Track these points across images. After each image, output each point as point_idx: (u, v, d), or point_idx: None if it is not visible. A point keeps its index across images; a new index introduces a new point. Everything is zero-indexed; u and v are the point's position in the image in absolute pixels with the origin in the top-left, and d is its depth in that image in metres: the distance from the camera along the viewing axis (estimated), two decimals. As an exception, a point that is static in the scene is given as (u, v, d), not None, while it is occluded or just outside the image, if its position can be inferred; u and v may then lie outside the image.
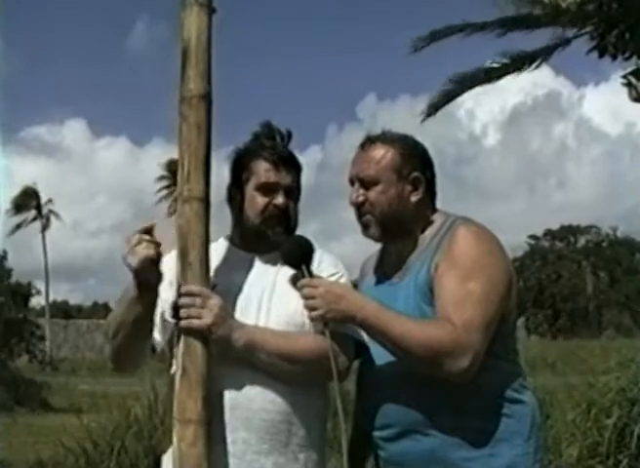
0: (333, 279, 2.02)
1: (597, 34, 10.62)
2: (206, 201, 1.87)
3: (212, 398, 1.85)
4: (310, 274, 1.93)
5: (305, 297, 1.91)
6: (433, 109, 11.61)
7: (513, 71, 11.35)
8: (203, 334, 1.82)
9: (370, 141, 2.11)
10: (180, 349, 1.83)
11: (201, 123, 1.87)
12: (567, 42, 11.07)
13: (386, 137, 2.11)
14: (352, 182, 2.12)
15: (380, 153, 2.08)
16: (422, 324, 1.90)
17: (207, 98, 1.88)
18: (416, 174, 2.09)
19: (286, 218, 2.04)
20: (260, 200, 2.03)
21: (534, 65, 11.30)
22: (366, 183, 2.08)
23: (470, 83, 11.50)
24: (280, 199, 2.02)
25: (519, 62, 11.27)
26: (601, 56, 10.68)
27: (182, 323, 1.83)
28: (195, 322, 1.82)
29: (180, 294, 1.85)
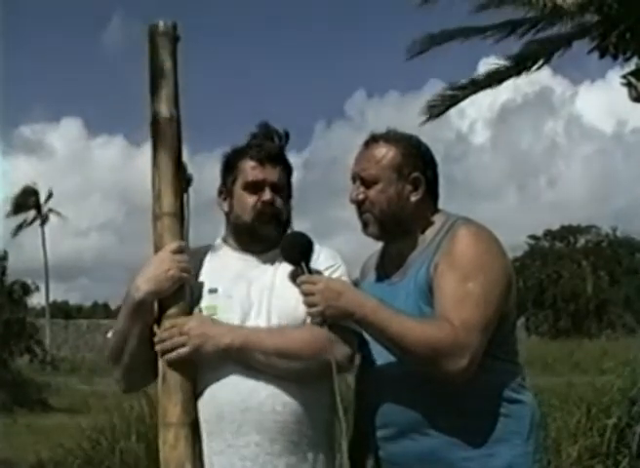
0: (330, 271, 2.02)
1: (598, 34, 10.62)
2: (177, 216, 1.97)
3: (223, 402, 1.89)
4: (309, 270, 1.94)
5: (304, 294, 1.91)
6: (435, 112, 11.59)
7: (515, 74, 11.33)
8: (195, 358, 1.88)
9: (373, 140, 2.12)
10: (160, 358, 1.89)
11: (167, 145, 1.99)
12: (568, 43, 11.07)
13: (390, 137, 2.12)
14: (354, 180, 2.12)
15: (382, 152, 2.09)
16: (422, 323, 1.91)
17: (173, 121, 1.99)
18: (416, 174, 2.09)
19: (275, 214, 2.05)
20: (249, 198, 2.05)
21: (535, 67, 11.29)
22: (366, 182, 2.08)
23: (473, 89, 11.50)
24: (267, 195, 2.04)
25: (521, 65, 11.25)
26: (602, 56, 10.68)
27: (171, 356, 1.87)
28: (181, 351, 1.87)
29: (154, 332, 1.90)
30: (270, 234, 2.04)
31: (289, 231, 2.10)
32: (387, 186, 2.07)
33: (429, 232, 2.08)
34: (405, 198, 2.08)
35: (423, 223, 2.10)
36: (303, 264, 1.94)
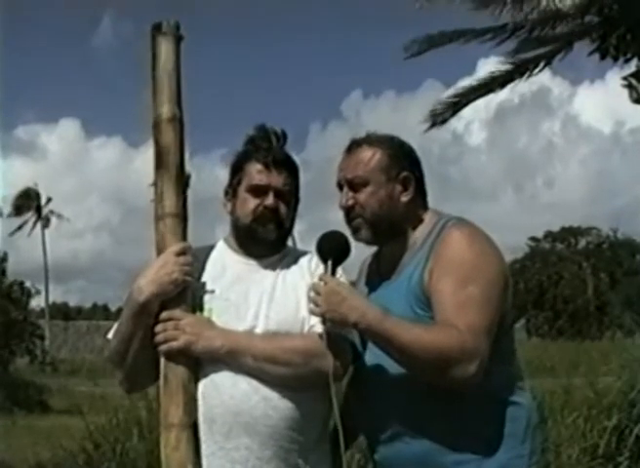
0: None
1: (598, 36, 10.63)
2: (180, 216, 1.95)
3: (215, 404, 1.90)
4: (333, 272, 1.92)
5: (314, 291, 1.90)
6: (438, 120, 11.63)
7: (517, 77, 11.34)
8: (185, 354, 1.88)
9: (356, 144, 2.10)
10: (161, 358, 1.90)
11: (170, 145, 1.97)
12: (569, 45, 11.07)
13: (372, 139, 2.10)
14: (341, 187, 2.10)
15: (368, 155, 2.07)
16: (429, 330, 1.87)
17: (175, 121, 1.97)
18: (405, 173, 2.07)
19: (276, 218, 2.04)
20: (252, 202, 2.04)
21: (537, 70, 11.30)
22: (355, 185, 2.06)
23: (476, 94, 11.52)
24: (270, 200, 2.03)
25: (523, 68, 11.26)
26: (602, 58, 10.70)
27: (162, 348, 1.88)
28: (173, 344, 1.87)
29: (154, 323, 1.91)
30: (269, 236, 2.04)
31: (291, 235, 2.11)
32: (377, 188, 2.05)
33: (421, 232, 2.06)
34: (396, 199, 2.06)
35: (415, 223, 2.08)
36: (330, 263, 1.93)
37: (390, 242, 2.10)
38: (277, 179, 2.04)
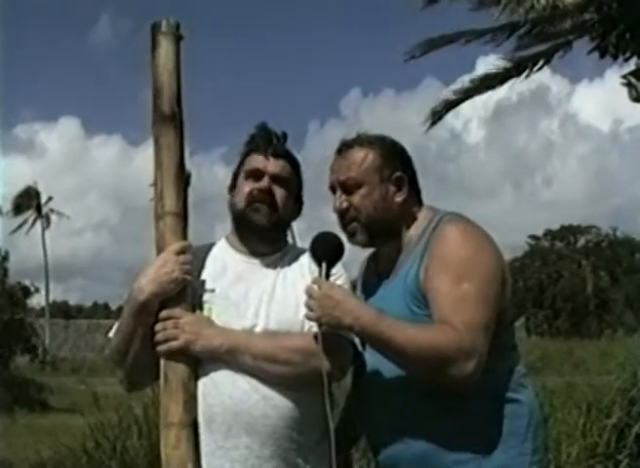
0: (331, 279, 2.00)
1: (597, 35, 10.62)
2: (180, 215, 1.95)
3: (214, 403, 1.90)
4: (327, 274, 1.91)
5: (307, 295, 1.89)
6: (437, 117, 11.66)
7: (515, 75, 11.33)
8: (184, 353, 1.88)
9: (347, 146, 2.08)
10: (161, 358, 1.90)
11: (170, 143, 1.97)
12: (569, 44, 11.07)
13: (363, 140, 2.08)
14: (334, 190, 2.08)
15: (360, 156, 2.05)
16: (424, 330, 1.86)
17: (175, 120, 1.97)
18: (398, 173, 2.06)
19: (270, 201, 2.03)
20: (247, 186, 2.05)
21: (536, 68, 11.30)
22: (348, 187, 2.04)
23: (474, 91, 11.53)
24: (265, 182, 2.03)
25: (522, 66, 11.26)
26: (602, 56, 10.69)
27: (161, 348, 1.88)
28: (173, 343, 1.87)
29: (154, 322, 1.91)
30: (262, 220, 2.02)
31: (291, 232, 2.10)
32: (371, 190, 2.03)
33: (416, 230, 2.05)
34: (390, 200, 2.05)
35: (410, 221, 2.07)
36: (324, 266, 1.91)
37: (387, 243, 2.09)
38: (274, 165, 2.05)
